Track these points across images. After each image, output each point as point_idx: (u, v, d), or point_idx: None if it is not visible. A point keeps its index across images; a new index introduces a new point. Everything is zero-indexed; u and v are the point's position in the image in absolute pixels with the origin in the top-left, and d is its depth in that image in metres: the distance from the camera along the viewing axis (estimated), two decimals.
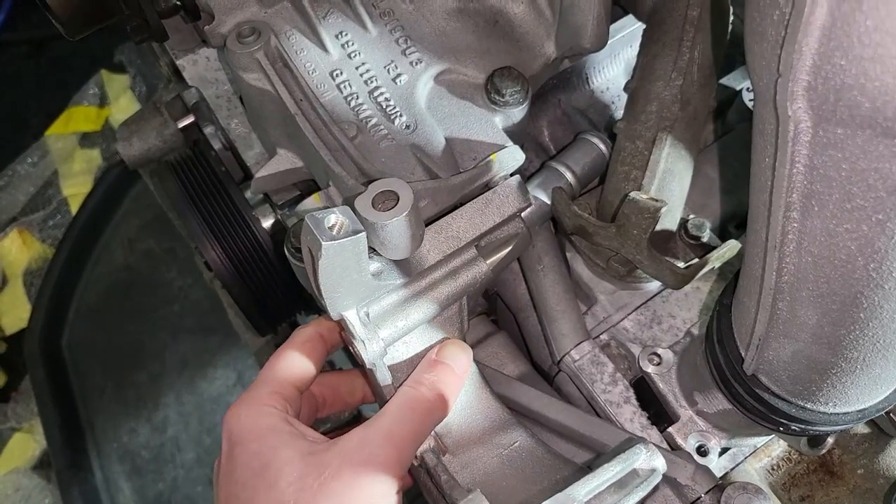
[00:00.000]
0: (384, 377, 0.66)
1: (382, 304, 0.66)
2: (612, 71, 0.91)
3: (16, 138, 2.77)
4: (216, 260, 0.90)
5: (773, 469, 0.73)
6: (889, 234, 0.39)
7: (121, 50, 2.90)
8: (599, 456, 0.70)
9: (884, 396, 0.54)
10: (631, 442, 0.60)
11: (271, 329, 1.02)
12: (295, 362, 0.62)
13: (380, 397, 0.68)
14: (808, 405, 0.54)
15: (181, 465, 2.19)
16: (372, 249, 0.65)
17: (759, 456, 0.73)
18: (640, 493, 0.55)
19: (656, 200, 0.67)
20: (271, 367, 0.61)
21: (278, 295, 0.94)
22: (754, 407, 0.58)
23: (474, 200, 0.71)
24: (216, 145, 1.02)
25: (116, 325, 2.42)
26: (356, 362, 0.74)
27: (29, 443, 2.33)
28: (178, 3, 0.77)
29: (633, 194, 0.68)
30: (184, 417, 2.27)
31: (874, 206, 0.39)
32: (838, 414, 0.54)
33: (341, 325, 0.66)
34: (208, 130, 1.06)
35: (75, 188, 2.73)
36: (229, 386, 2.28)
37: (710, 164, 0.83)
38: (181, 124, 1.13)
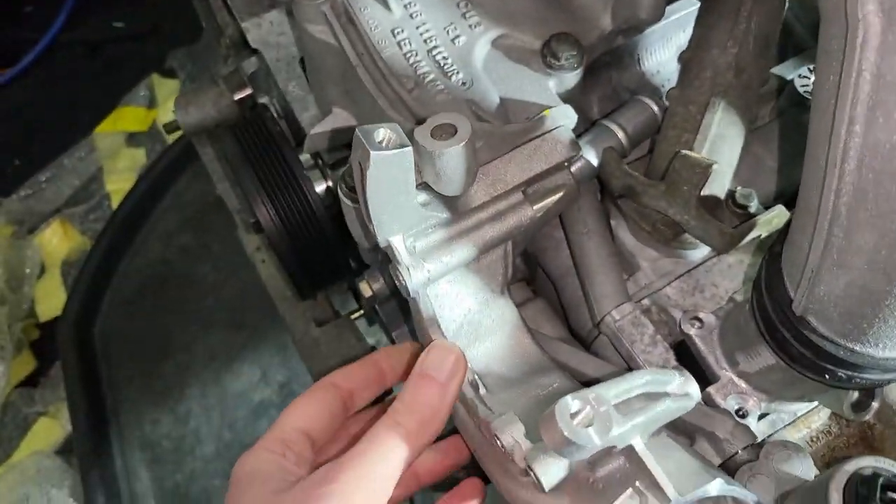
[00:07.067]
0: (427, 308, 0.67)
1: (429, 240, 0.67)
2: (663, 55, 0.93)
3: (66, 133, 2.86)
4: (266, 216, 0.92)
5: (811, 441, 0.72)
6: None
7: (173, 55, 2.99)
8: None
9: None
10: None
11: (312, 293, 1.04)
12: (299, 409, 0.65)
13: (421, 333, 0.69)
14: (858, 347, 0.54)
15: (200, 458, 2.20)
16: (424, 184, 0.66)
17: (799, 427, 0.72)
18: (671, 413, 0.53)
19: (707, 159, 0.68)
20: (280, 416, 0.65)
21: (323, 257, 0.96)
22: (801, 354, 0.57)
23: (524, 146, 0.72)
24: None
25: (149, 317, 2.45)
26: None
27: (54, 427, 2.35)
28: None
29: (684, 151, 0.68)
30: (206, 411, 2.28)
31: None
32: (889, 359, 0.54)
33: (387, 252, 0.67)
34: (263, 100, 1.10)
35: (118, 184, 2.80)
36: (253, 382, 2.29)
37: (761, 145, 0.83)
38: (237, 96, 1.17)
